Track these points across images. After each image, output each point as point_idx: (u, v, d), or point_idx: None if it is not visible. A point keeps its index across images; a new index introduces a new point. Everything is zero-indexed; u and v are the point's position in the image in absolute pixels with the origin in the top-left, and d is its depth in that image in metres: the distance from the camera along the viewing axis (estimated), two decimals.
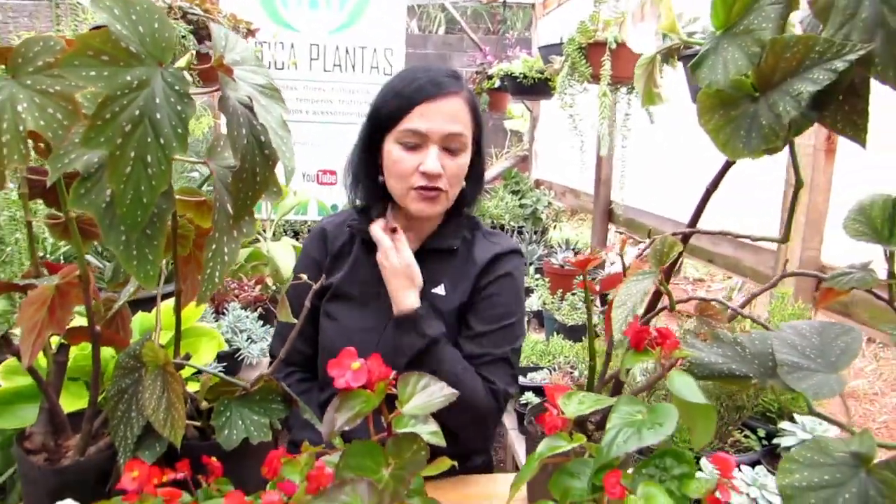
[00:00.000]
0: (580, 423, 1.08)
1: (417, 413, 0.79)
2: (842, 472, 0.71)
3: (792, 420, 1.36)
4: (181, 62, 0.72)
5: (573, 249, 3.36)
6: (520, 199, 3.92)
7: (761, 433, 1.47)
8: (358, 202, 1.46)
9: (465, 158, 1.34)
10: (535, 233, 3.78)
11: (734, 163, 0.93)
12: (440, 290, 1.38)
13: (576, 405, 0.85)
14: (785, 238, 0.87)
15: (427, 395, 0.82)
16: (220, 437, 0.97)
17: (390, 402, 0.81)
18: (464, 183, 1.38)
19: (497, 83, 3.57)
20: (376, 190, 1.39)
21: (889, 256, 0.84)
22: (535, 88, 3.16)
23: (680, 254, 0.87)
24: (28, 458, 0.97)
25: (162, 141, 0.66)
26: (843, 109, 0.68)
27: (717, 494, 0.75)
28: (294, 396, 1.06)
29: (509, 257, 1.43)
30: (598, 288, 1.33)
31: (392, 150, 1.30)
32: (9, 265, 1.49)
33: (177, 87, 0.67)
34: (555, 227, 3.99)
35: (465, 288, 1.39)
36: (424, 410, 0.79)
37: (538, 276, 2.91)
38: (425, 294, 1.36)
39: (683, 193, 2.34)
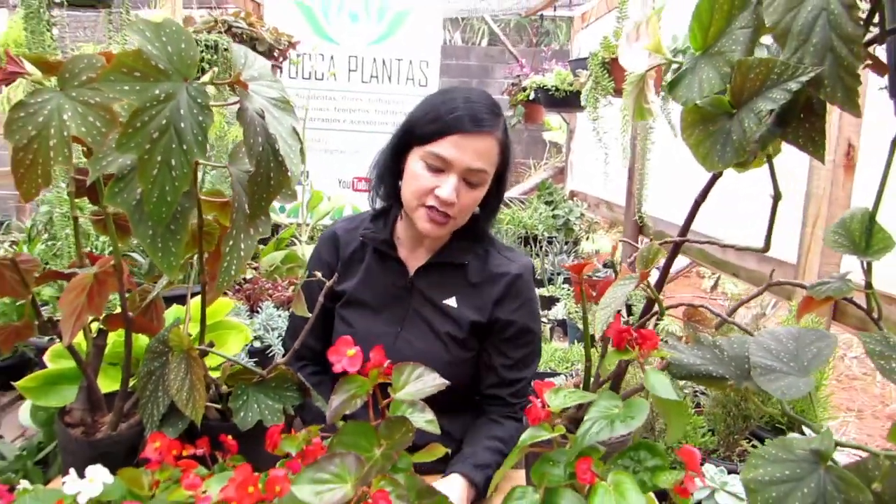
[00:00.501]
0: (575, 421, 1.13)
1: (409, 399, 0.86)
2: (802, 467, 0.75)
3: (801, 432, 1.38)
4: (206, 77, 0.81)
5: (606, 264, 3.39)
6: (553, 209, 3.96)
7: None
8: (378, 204, 1.50)
9: (481, 192, 1.36)
10: (567, 243, 3.82)
11: (720, 175, 0.98)
12: (451, 301, 1.41)
13: (561, 399, 0.91)
14: (765, 248, 0.92)
15: (420, 383, 0.89)
16: (237, 418, 1.06)
17: (386, 390, 0.89)
18: (477, 210, 1.41)
19: (531, 95, 3.63)
20: (396, 193, 1.43)
21: (866, 268, 0.88)
22: (567, 101, 3.21)
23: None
24: (67, 430, 1.08)
25: (185, 147, 0.75)
26: (804, 127, 0.73)
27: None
28: (308, 385, 1.15)
29: (523, 279, 1.45)
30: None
31: (415, 164, 1.33)
32: (59, 258, 1.61)
33: (199, 100, 0.76)
34: (587, 237, 4.02)
35: (483, 306, 1.41)
36: (416, 397, 0.87)
37: (566, 285, 2.95)
38: (437, 304, 1.41)
39: (710, 206, 2.37)
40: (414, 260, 1.46)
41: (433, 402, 1.28)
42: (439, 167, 1.30)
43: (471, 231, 1.45)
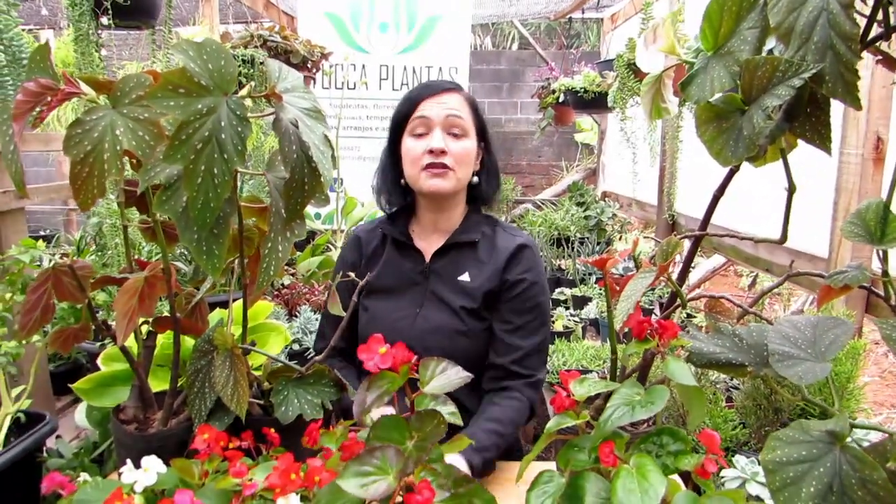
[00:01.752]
0: (601, 411, 1.17)
1: (437, 392, 0.90)
2: (818, 448, 0.78)
3: None
4: (243, 92, 0.87)
5: (635, 259, 3.39)
6: (584, 210, 3.97)
7: None
8: (385, 206, 1.65)
9: (468, 142, 1.51)
10: (599, 243, 3.83)
11: (738, 170, 1.01)
12: (465, 277, 1.53)
13: (586, 388, 0.95)
14: (782, 239, 0.94)
15: (445, 377, 0.94)
16: (278, 412, 1.12)
17: (413, 384, 0.94)
18: (475, 179, 1.57)
19: (560, 97, 3.65)
20: (399, 191, 1.60)
21: (882, 257, 0.90)
22: (596, 102, 3.23)
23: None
24: (122, 426, 1.15)
25: (226, 156, 0.81)
26: (810, 121, 0.76)
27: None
28: (345, 382, 1.20)
29: (531, 249, 1.57)
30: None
31: (406, 143, 1.52)
32: (109, 267, 1.70)
33: (238, 113, 0.82)
34: (620, 237, 4.03)
35: (492, 275, 1.52)
36: (443, 390, 0.91)
37: (598, 285, 2.96)
38: (452, 282, 1.53)
39: (741, 204, 2.36)
40: (430, 247, 1.58)
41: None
42: (423, 131, 1.50)
43: (478, 205, 1.62)
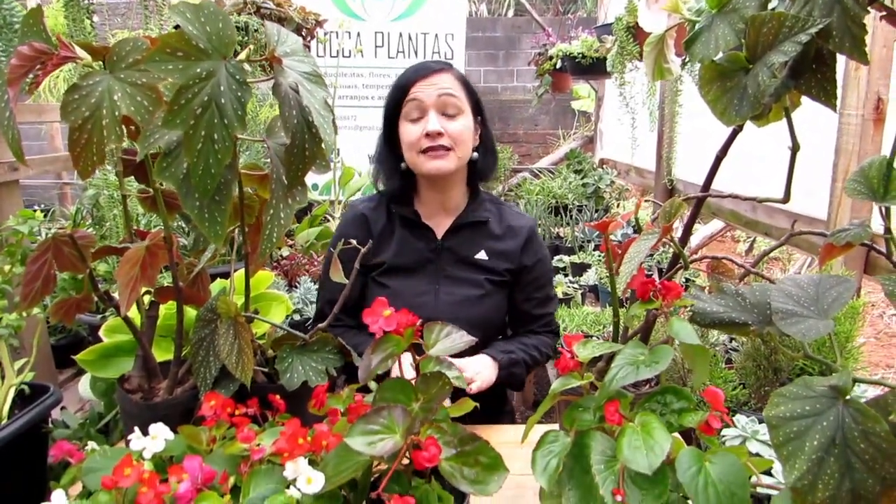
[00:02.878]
0: (605, 373, 1.17)
1: (441, 354, 0.91)
2: (821, 403, 0.78)
3: None
4: (242, 55, 0.86)
5: (633, 226, 3.39)
6: (582, 178, 3.96)
7: None
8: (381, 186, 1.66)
9: (463, 121, 1.52)
10: (597, 211, 3.82)
11: (741, 130, 1.00)
12: (482, 255, 1.59)
13: (590, 350, 0.95)
14: (785, 199, 0.94)
15: (449, 341, 0.94)
16: (283, 379, 1.13)
17: (419, 349, 0.94)
18: (475, 154, 1.58)
19: (558, 64, 3.62)
20: (399, 175, 1.60)
21: (885, 213, 0.90)
22: (594, 68, 3.20)
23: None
24: (128, 396, 1.16)
25: (226, 121, 0.80)
26: (816, 77, 0.75)
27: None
28: (349, 348, 1.21)
29: (537, 232, 1.70)
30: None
31: (403, 128, 1.53)
32: (108, 239, 1.69)
33: (237, 77, 0.81)
34: (618, 205, 4.02)
35: (510, 255, 1.61)
36: (447, 352, 0.92)
37: (596, 252, 2.97)
38: (469, 260, 1.58)
39: (741, 169, 2.35)
40: (439, 226, 1.61)
41: (478, 336, 1.43)
42: (418, 115, 1.50)
43: (476, 179, 1.64)
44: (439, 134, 1.47)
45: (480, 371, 1.43)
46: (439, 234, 1.60)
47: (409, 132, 1.51)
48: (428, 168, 1.50)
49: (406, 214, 1.60)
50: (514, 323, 1.72)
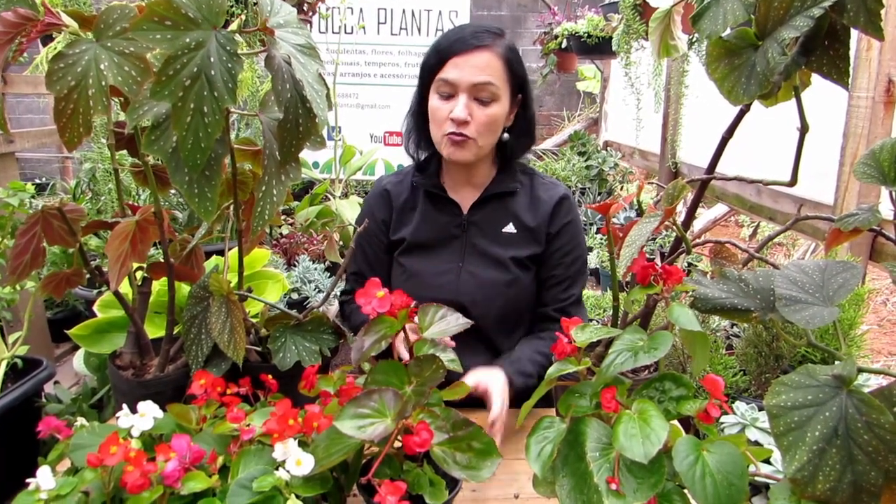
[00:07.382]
0: (603, 359, 1.16)
1: (435, 337, 0.89)
2: (824, 392, 0.76)
3: None
4: (233, 25, 0.83)
5: (636, 209, 3.36)
6: (586, 160, 3.92)
7: None
8: (418, 154, 1.56)
9: (495, 109, 1.40)
10: (600, 193, 3.79)
11: (748, 110, 0.97)
12: (510, 228, 1.49)
13: (587, 335, 0.93)
14: (792, 182, 0.91)
15: (444, 323, 0.92)
16: (276, 359, 1.11)
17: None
18: (506, 136, 1.47)
19: (563, 43, 3.56)
20: (428, 138, 1.50)
21: (894, 198, 0.87)
22: (600, 47, 3.15)
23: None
24: (119, 372, 1.14)
25: (216, 94, 0.78)
26: (828, 54, 0.72)
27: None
28: (343, 329, 1.19)
29: (569, 201, 1.54)
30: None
31: (432, 99, 1.42)
32: (104, 214, 1.67)
33: (228, 48, 0.78)
34: (622, 187, 3.99)
35: (538, 227, 1.49)
36: (442, 335, 0.90)
37: (598, 235, 2.94)
38: (496, 234, 1.49)
39: (743, 153, 2.32)
40: (465, 199, 1.52)
41: (498, 322, 1.41)
42: (449, 93, 1.39)
43: (510, 159, 1.52)
44: (464, 122, 1.38)
45: (504, 402, 1.25)
46: (465, 207, 1.51)
47: (437, 110, 1.41)
48: (446, 153, 1.42)
49: (430, 188, 1.52)
50: (535, 308, 1.55)
